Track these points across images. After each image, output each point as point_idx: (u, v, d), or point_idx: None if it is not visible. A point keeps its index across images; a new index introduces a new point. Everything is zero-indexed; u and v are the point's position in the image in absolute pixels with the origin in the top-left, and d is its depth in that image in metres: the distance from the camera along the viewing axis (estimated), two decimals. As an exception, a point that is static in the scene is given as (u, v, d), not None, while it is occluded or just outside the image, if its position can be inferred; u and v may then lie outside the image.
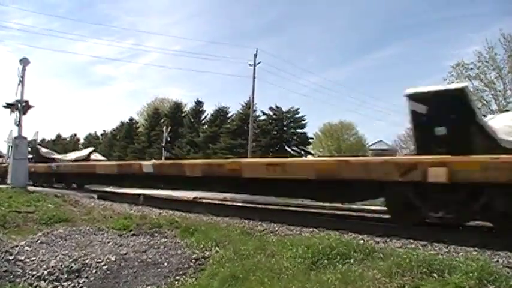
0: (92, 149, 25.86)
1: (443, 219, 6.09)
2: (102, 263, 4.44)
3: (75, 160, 20.80)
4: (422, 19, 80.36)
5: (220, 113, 45.15)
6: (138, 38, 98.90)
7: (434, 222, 6.32)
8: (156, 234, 5.94)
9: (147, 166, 11.31)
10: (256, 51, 34.47)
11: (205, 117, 48.03)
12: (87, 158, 21.76)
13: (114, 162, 17.31)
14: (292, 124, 42.23)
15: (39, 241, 5.37)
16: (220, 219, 7.67)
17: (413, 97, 6.55)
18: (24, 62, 14.32)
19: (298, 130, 42.29)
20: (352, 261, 3.94)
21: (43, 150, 22.97)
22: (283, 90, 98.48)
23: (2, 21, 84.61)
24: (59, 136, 63.48)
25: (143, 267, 4.43)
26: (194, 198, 12.14)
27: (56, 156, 22.76)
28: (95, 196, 12.69)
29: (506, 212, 5.48)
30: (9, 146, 20.79)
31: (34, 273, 4.18)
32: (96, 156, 23.59)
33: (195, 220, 7.24)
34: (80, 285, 4.02)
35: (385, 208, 7.53)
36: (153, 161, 14.45)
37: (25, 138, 14.57)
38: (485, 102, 26.49)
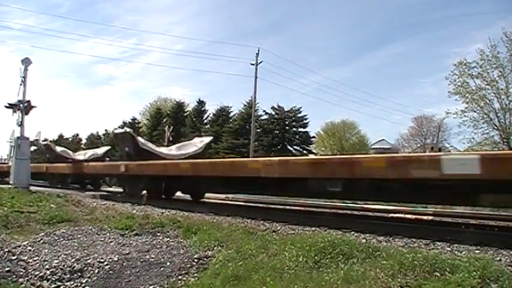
0: (209, 139, 17.03)
1: None
2: (105, 263, 4.45)
3: (191, 157, 13.29)
4: (424, 17, 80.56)
5: (222, 113, 45.12)
6: (140, 37, 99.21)
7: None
8: (159, 234, 5.96)
9: None
10: (258, 51, 34.44)
11: (207, 116, 48.05)
12: (203, 152, 14.73)
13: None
14: (294, 123, 42.17)
15: (41, 241, 5.39)
16: (223, 219, 7.67)
17: None
18: (26, 62, 14.35)
19: (300, 129, 42.24)
20: (354, 260, 3.93)
21: (141, 140, 14.10)
22: (285, 90, 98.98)
23: (3, 21, 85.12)
24: (61, 136, 63.47)
25: (146, 267, 4.43)
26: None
27: (160, 150, 14.30)
28: (97, 196, 12.72)
29: None
30: (11, 146, 20.71)
31: (37, 273, 4.19)
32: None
33: (198, 220, 7.24)
34: (83, 285, 4.02)
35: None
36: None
37: (27, 139, 14.60)
38: (487, 101, 26.35)
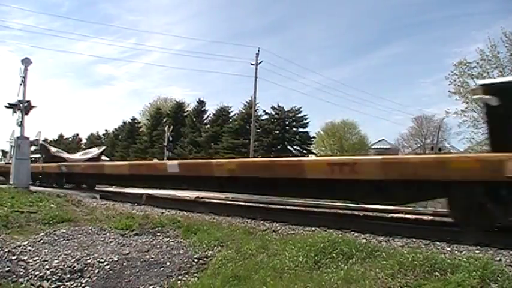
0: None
1: None
2: (105, 263, 4.45)
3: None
4: (424, 17, 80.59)
5: (222, 113, 45.13)
6: (140, 37, 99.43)
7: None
8: (159, 234, 5.95)
9: None
10: (258, 51, 34.49)
11: (208, 116, 48.06)
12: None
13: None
14: (294, 123, 42.17)
15: (41, 241, 5.39)
16: (223, 219, 7.66)
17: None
18: (26, 62, 14.31)
19: (300, 129, 42.24)
20: (354, 260, 3.93)
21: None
22: (285, 90, 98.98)
23: (3, 21, 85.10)
24: (61, 136, 63.55)
25: (146, 267, 4.43)
26: (196, 197, 12.14)
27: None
28: (97, 196, 12.71)
29: None
30: (11, 146, 20.68)
31: (37, 273, 4.20)
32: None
33: (198, 219, 7.24)
34: (83, 285, 4.03)
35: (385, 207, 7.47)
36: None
37: (27, 139, 14.59)
38: (487, 100, 26.36)
